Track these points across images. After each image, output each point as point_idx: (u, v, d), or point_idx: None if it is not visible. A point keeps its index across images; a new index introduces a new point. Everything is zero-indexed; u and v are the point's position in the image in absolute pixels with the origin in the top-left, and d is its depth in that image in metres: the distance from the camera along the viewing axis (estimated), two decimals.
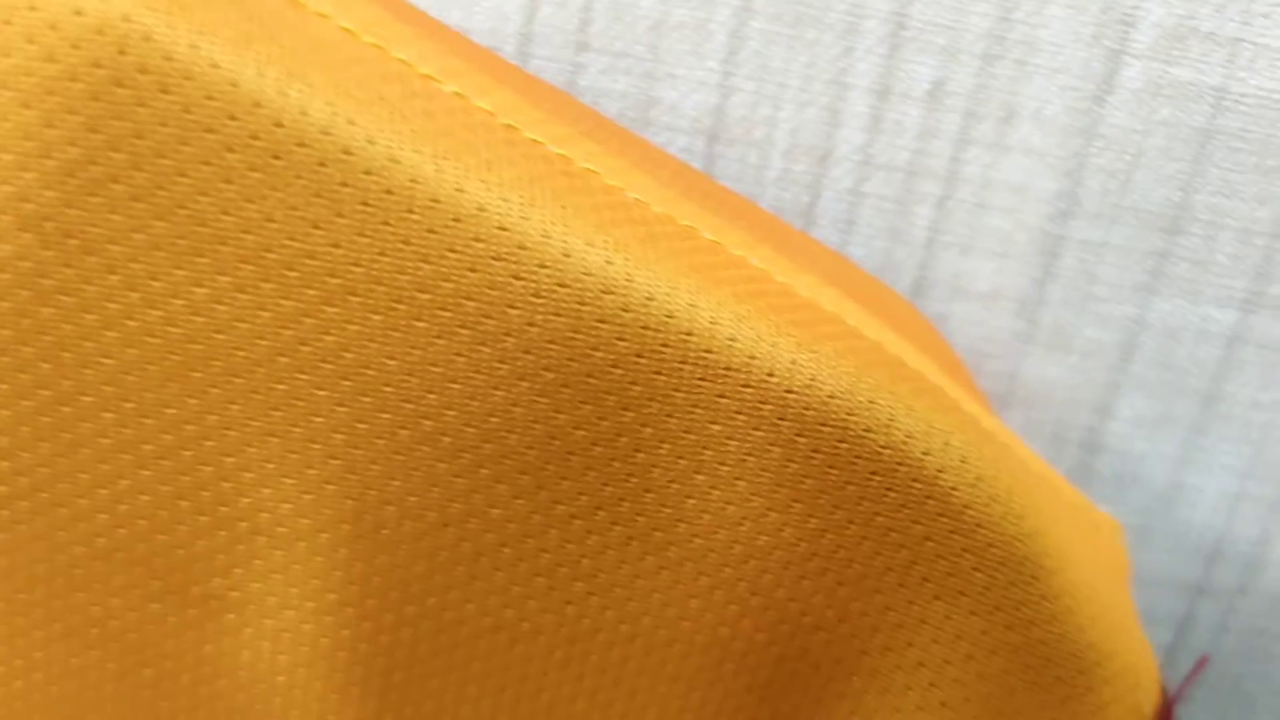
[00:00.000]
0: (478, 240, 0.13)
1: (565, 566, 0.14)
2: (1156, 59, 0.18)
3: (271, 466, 0.13)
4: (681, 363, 0.13)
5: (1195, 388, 0.20)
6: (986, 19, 0.18)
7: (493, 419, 0.13)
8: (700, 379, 0.13)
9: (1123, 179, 0.19)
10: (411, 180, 0.12)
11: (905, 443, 0.14)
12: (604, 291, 0.13)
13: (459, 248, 0.13)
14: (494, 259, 0.13)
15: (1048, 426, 0.20)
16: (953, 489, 0.14)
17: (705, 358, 0.13)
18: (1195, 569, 0.21)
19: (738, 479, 0.14)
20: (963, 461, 0.14)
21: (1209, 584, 0.21)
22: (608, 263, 0.13)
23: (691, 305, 0.13)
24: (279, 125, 0.12)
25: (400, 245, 0.13)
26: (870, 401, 0.14)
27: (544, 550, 0.14)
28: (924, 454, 0.14)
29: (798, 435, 0.14)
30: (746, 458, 0.14)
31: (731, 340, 0.13)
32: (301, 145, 0.12)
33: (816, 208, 0.19)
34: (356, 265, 0.13)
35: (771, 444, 0.14)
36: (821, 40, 0.18)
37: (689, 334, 0.13)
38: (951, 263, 0.19)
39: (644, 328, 0.13)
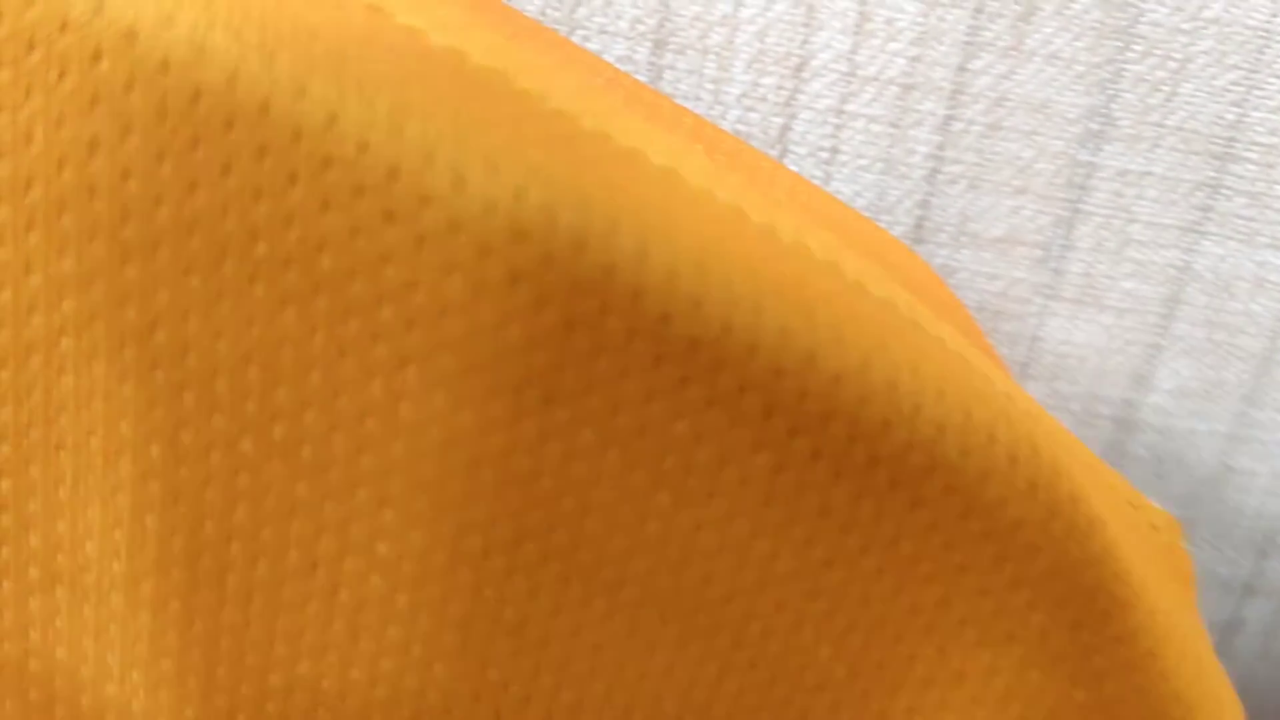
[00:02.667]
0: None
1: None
2: None
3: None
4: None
5: (1250, 350, 0.16)
6: None
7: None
8: (659, 360, 0.10)
9: (1166, 92, 0.15)
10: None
11: (936, 438, 0.10)
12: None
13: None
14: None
15: (1076, 400, 0.16)
16: (1002, 501, 0.10)
17: (667, 326, 0.10)
18: (1246, 564, 0.17)
19: (711, 496, 0.10)
20: (1012, 463, 0.10)
21: (1261, 581, 0.18)
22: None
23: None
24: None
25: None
26: (889, 385, 0.10)
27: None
28: (962, 454, 0.10)
29: (791, 434, 0.10)
30: (723, 467, 0.10)
31: (698, 298, 0.10)
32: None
33: (791, 132, 0.15)
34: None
35: (756, 447, 0.10)
36: None
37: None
38: (958, 201, 0.15)
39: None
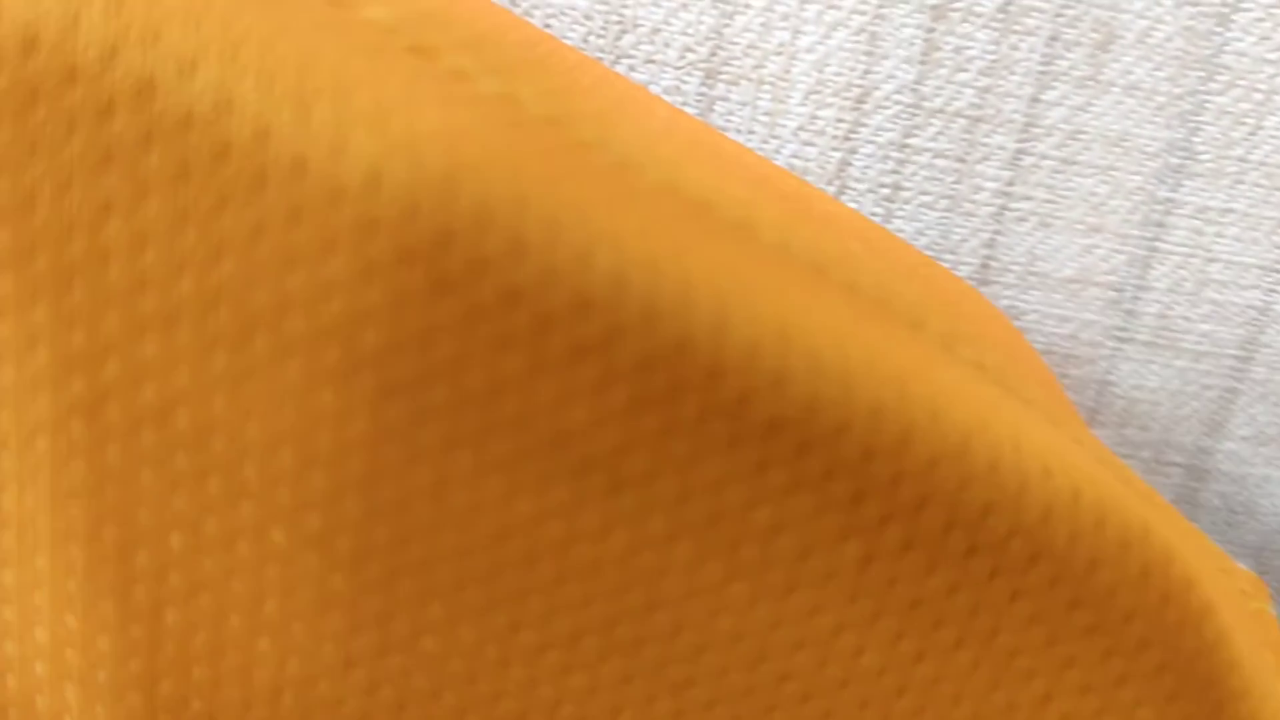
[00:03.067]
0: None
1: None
2: None
3: None
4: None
5: None
6: None
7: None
8: (738, 440, 0.09)
9: (1250, 125, 0.14)
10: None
11: (1041, 523, 0.09)
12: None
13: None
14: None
15: (1147, 448, 0.15)
16: (1112, 590, 0.09)
17: (752, 400, 0.09)
18: None
19: (791, 589, 0.09)
20: (1124, 548, 0.09)
21: None
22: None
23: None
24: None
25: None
26: (991, 466, 0.09)
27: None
28: (1070, 540, 0.09)
29: (883, 522, 0.09)
30: (806, 557, 0.09)
31: (781, 372, 0.09)
32: None
33: (850, 168, 0.14)
34: None
35: (843, 536, 0.09)
36: None
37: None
38: (1027, 239, 0.14)
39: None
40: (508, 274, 0.09)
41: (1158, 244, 0.14)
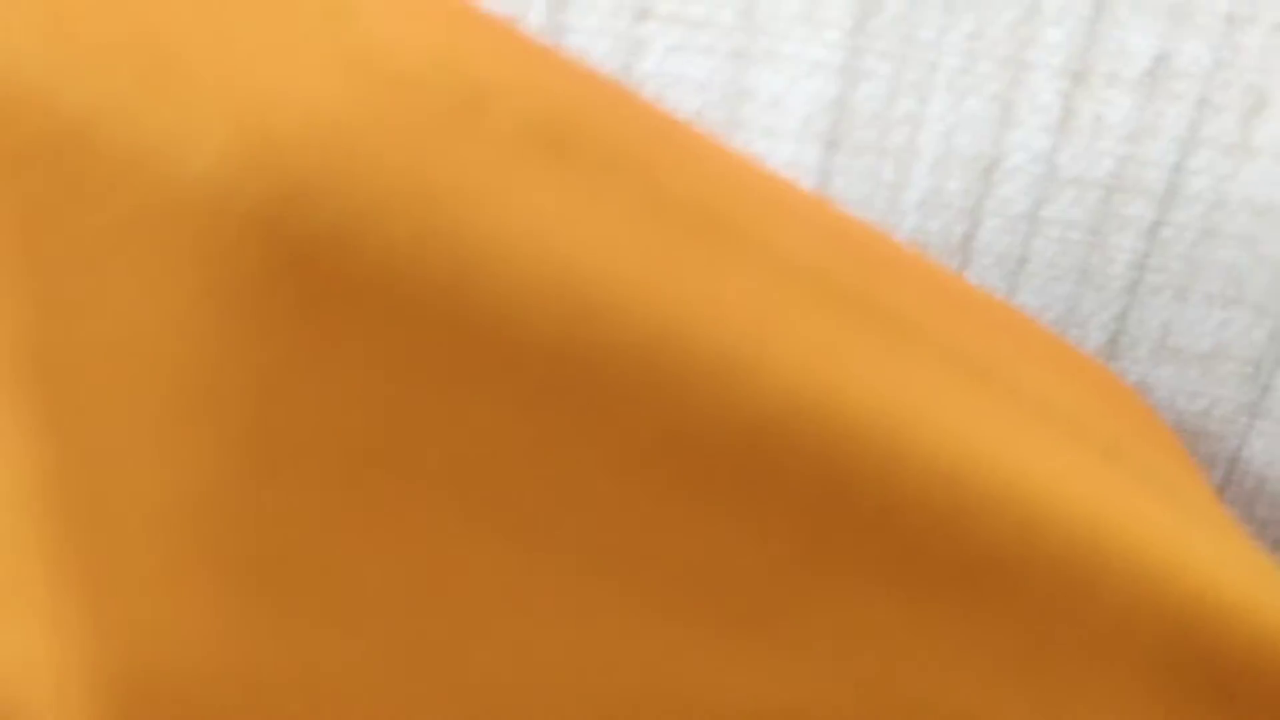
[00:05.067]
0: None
1: None
2: None
3: None
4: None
5: None
6: None
7: None
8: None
9: None
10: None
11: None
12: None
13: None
14: None
15: (1276, 525, 0.15)
16: None
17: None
18: None
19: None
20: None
21: None
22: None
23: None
24: None
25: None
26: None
27: None
28: None
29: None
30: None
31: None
32: None
33: (975, 240, 0.13)
34: None
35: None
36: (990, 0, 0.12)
37: None
38: (1162, 312, 0.13)
39: None
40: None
41: None
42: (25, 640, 0.10)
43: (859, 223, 0.12)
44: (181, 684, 0.10)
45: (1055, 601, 0.09)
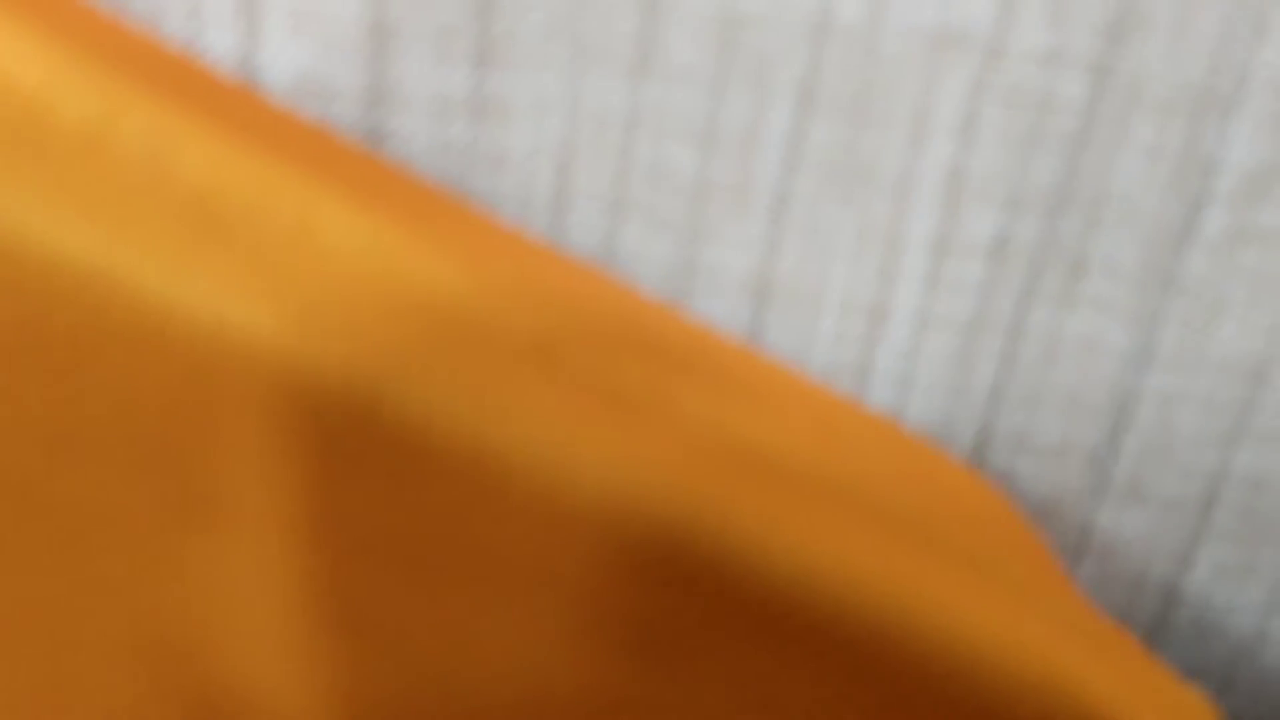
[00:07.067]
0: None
1: None
2: (1240, 204, 0.16)
3: None
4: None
5: None
6: (1051, 172, 0.16)
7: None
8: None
9: (1203, 329, 0.17)
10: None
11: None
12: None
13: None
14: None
15: (1124, 578, 0.19)
16: None
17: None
18: None
19: None
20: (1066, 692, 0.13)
21: None
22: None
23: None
24: None
25: None
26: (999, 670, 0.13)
27: None
28: None
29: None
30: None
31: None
32: None
33: (872, 365, 0.18)
34: None
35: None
36: (874, 197, 0.17)
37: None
38: (1016, 418, 0.18)
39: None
40: None
41: (1125, 421, 0.18)
42: None
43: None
44: None
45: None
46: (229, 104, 0.14)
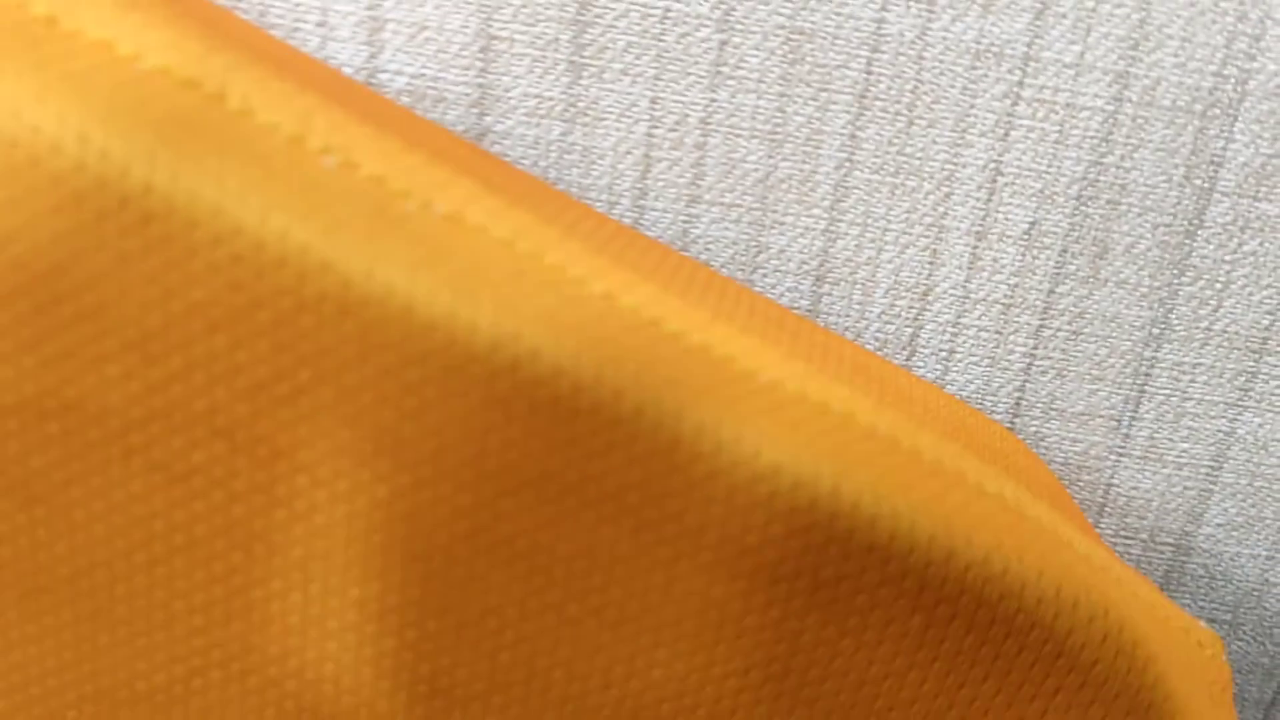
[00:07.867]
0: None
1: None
2: (1244, 195, 0.19)
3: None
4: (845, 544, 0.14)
5: None
6: (1078, 168, 0.19)
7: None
8: (847, 557, 0.15)
9: (1212, 306, 0.19)
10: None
11: (1036, 608, 0.15)
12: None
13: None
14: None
15: (1142, 532, 0.21)
16: (1082, 646, 0.15)
17: (853, 537, 0.14)
18: None
19: (880, 643, 0.15)
20: (1090, 620, 0.15)
21: None
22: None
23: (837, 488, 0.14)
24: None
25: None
26: (1003, 571, 0.15)
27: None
28: (1054, 617, 0.15)
29: (936, 604, 0.15)
30: (889, 624, 0.15)
31: (874, 518, 0.15)
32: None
33: (918, 340, 0.20)
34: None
35: (912, 611, 0.15)
36: (921, 189, 0.19)
37: (839, 516, 0.14)
38: (1047, 386, 0.20)
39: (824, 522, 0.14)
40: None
41: (1144, 389, 0.20)
42: None
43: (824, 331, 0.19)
44: None
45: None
46: (378, 106, 0.16)
